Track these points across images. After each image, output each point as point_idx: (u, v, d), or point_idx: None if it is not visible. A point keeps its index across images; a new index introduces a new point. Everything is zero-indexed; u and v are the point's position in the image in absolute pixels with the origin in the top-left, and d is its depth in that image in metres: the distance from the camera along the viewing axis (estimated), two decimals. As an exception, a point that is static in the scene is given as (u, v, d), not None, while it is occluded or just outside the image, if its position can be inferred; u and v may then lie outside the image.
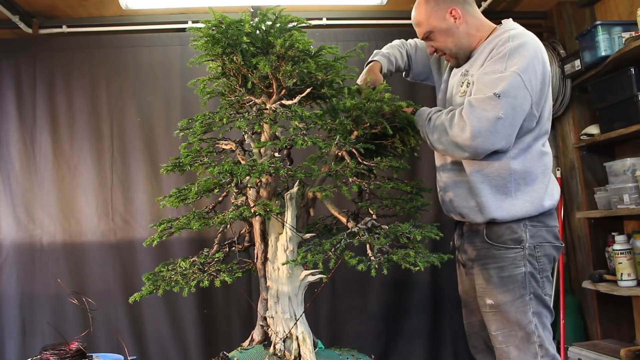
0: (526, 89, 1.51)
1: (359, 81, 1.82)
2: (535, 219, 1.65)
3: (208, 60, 1.67)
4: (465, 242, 1.78)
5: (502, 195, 1.62)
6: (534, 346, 1.60)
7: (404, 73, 2.03)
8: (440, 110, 1.65)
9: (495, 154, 1.58)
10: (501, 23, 1.71)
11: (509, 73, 1.51)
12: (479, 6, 2.89)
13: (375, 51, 1.95)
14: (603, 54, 2.59)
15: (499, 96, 1.47)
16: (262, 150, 1.64)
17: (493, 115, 1.47)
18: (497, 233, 1.64)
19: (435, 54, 1.79)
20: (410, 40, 2.01)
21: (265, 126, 1.60)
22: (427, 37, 1.73)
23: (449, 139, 1.55)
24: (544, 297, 1.63)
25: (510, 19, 1.71)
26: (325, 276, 1.56)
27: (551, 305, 1.66)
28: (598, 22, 2.61)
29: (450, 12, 1.67)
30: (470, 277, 1.81)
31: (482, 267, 1.68)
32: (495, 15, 3.08)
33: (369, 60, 1.91)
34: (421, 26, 1.72)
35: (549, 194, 1.66)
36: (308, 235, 1.61)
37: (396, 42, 1.99)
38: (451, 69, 1.83)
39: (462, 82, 1.69)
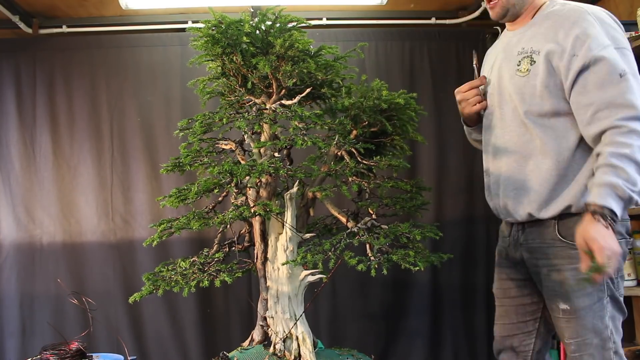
0: (628, 53, 1.41)
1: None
2: None
3: (208, 60, 1.67)
4: (528, 239, 1.57)
5: (567, 181, 1.46)
6: (609, 353, 1.47)
7: None
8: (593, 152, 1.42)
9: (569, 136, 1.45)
10: None
11: (615, 47, 1.38)
12: (479, 6, 2.89)
13: None
14: (603, 53, 2.59)
15: (620, 75, 1.34)
16: (262, 150, 1.64)
17: (628, 90, 1.33)
18: (573, 230, 1.39)
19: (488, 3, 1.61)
20: None
21: (265, 126, 1.60)
22: None
23: None
24: (619, 299, 1.48)
25: None
26: (325, 276, 1.56)
27: (624, 304, 1.50)
28: (598, 22, 2.61)
29: None
30: (511, 274, 1.66)
31: (553, 269, 1.49)
32: (495, 15, 3.08)
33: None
34: None
35: None
36: (308, 235, 1.61)
37: None
38: (494, 49, 1.72)
39: (520, 61, 1.53)
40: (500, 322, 1.72)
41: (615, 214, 1.30)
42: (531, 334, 1.65)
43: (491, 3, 1.59)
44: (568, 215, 1.46)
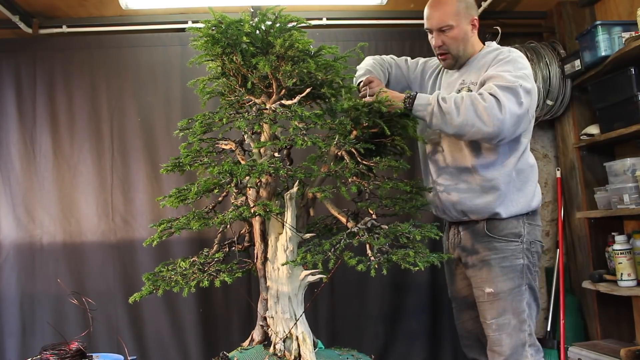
0: (533, 93, 1.66)
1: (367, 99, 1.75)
2: (530, 218, 1.80)
3: (208, 60, 1.67)
4: (462, 239, 1.85)
5: (506, 192, 1.75)
6: (524, 334, 1.71)
7: None
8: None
9: (501, 154, 1.74)
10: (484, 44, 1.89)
11: (522, 74, 1.63)
12: (479, 6, 2.89)
13: (358, 68, 1.97)
14: (603, 54, 2.59)
15: (520, 87, 1.59)
16: (262, 150, 1.64)
17: (519, 102, 1.58)
18: (498, 227, 1.77)
19: (439, 49, 1.83)
20: (386, 58, 2.06)
21: (265, 126, 1.60)
22: (442, 30, 1.78)
23: (480, 113, 1.56)
24: (535, 290, 1.77)
25: (494, 42, 1.90)
26: (325, 276, 1.56)
27: (539, 295, 1.81)
28: (598, 22, 2.61)
29: (472, 20, 1.81)
30: (463, 274, 1.89)
31: (482, 259, 1.77)
32: (495, 15, 3.08)
33: (358, 80, 1.90)
34: (444, 18, 1.77)
35: (537, 194, 1.83)
36: (308, 235, 1.61)
37: (373, 59, 2.02)
38: (437, 75, 1.95)
39: (460, 89, 1.79)
40: (460, 320, 1.96)
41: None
42: None
43: (442, 56, 1.84)
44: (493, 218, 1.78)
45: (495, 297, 1.72)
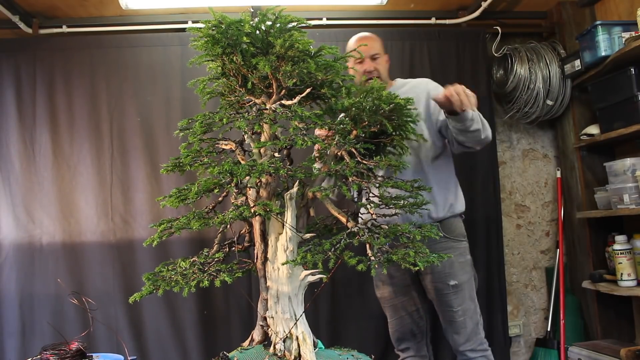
0: None
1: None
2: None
3: (208, 61, 1.66)
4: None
5: (456, 190, 2.15)
6: (477, 315, 2.09)
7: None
8: None
9: (448, 157, 2.15)
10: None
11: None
12: (479, 6, 2.89)
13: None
14: (603, 54, 2.59)
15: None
16: (262, 150, 1.64)
17: None
18: (451, 228, 2.08)
19: (367, 72, 2.12)
20: None
21: (265, 126, 1.60)
22: (375, 58, 2.15)
23: (488, 132, 1.95)
24: (477, 278, 2.16)
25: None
26: (325, 276, 1.56)
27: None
28: (598, 22, 2.61)
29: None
30: (405, 276, 2.16)
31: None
32: (495, 15, 3.08)
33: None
34: (377, 49, 2.18)
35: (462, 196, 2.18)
36: (308, 235, 1.61)
37: None
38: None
39: None
40: (394, 318, 2.24)
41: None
42: (422, 318, 2.25)
43: (370, 74, 2.12)
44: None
45: (459, 288, 2.04)
